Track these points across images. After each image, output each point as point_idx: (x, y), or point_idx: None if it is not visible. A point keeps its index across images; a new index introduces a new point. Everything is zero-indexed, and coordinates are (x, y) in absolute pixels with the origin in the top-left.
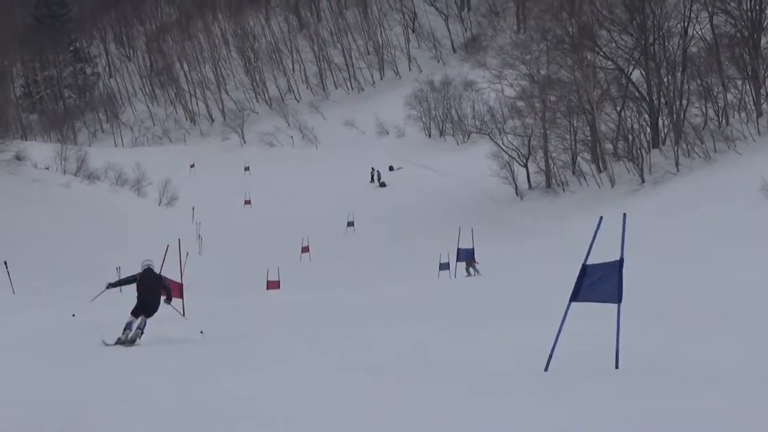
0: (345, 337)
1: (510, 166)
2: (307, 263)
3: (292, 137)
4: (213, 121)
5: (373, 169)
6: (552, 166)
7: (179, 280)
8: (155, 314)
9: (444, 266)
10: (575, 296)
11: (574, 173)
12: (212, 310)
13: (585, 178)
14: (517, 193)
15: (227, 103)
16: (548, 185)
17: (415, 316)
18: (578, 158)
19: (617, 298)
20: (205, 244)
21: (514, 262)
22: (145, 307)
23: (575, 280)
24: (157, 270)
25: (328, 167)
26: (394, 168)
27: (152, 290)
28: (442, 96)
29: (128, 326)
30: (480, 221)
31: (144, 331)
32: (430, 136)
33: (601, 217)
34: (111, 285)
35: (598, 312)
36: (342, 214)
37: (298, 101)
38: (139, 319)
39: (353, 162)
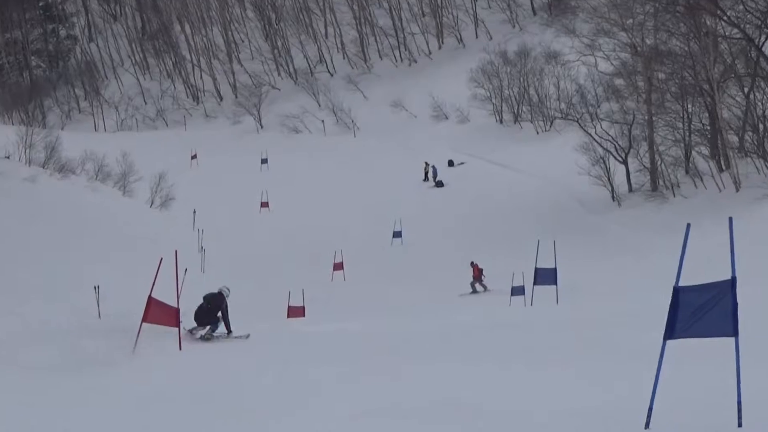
0: (381, 377)
1: (605, 162)
2: (341, 284)
3: (323, 121)
4: (222, 99)
5: (427, 164)
6: (659, 163)
7: (175, 305)
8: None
9: (517, 290)
10: (671, 332)
11: (687, 173)
12: (217, 342)
13: (702, 179)
14: (613, 197)
15: (240, 76)
16: (654, 188)
17: (475, 352)
18: (693, 153)
19: (732, 330)
20: (209, 257)
21: (607, 286)
22: (197, 319)
23: (668, 311)
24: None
25: (370, 160)
26: (455, 163)
27: (206, 312)
28: (518, 71)
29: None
30: (565, 233)
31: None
32: (501, 122)
33: (689, 225)
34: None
35: (704, 348)
36: (387, 222)
37: (332, 75)
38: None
39: (402, 154)
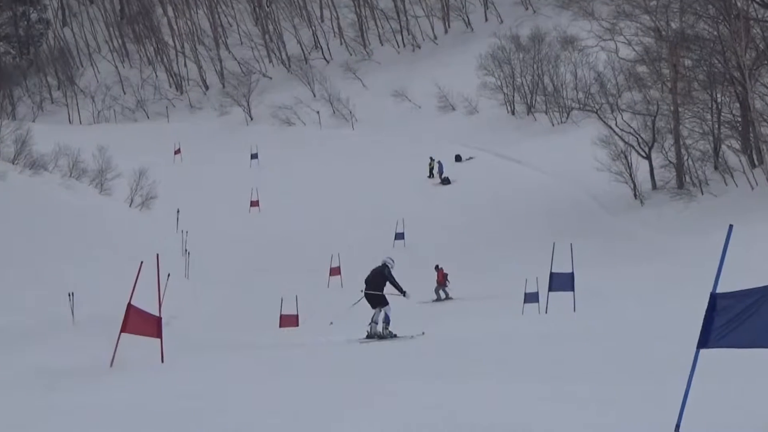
0: (379, 391)
1: (626, 157)
2: (338, 291)
3: (318, 112)
4: (207, 89)
5: (432, 159)
6: (686, 157)
7: (156, 313)
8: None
9: (531, 297)
10: (705, 341)
11: (716, 168)
12: (203, 354)
13: (732, 176)
14: (636, 195)
15: (228, 63)
16: (680, 185)
17: (482, 365)
18: (723, 147)
19: None
20: (194, 261)
21: (628, 291)
22: (368, 300)
23: (703, 318)
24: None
25: (369, 155)
26: (463, 158)
27: (369, 285)
28: (532, 57)
29: (372, 318)
30: (582, 234)
31: (381, 322)
32: (513, 113)
33: (731, 226)
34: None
35: (736, 359)
36: (388, 222)
37: (328, 62)
38: (374, 311)
39: (404, 149)
